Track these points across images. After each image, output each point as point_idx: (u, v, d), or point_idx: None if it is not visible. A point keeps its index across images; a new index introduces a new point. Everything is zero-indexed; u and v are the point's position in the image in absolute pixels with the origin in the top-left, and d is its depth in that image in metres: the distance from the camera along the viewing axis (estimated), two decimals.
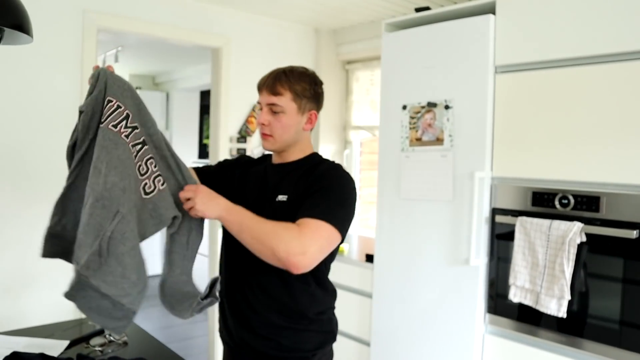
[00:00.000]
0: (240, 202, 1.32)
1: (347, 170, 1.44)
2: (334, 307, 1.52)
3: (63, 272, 2.62)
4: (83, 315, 2.66)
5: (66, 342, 1.53)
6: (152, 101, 5.72)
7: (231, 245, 1.39)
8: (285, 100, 1.39)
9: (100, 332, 1.63)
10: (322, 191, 1.32)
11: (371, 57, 3.53)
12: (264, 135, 1.43)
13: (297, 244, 1.19)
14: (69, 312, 2.68)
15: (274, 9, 3.23)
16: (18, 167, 2.52)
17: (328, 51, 3.71)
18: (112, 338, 1.56)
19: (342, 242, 1.35)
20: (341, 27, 3.63)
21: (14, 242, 2.51)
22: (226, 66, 3.24)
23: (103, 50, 4.34)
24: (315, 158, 1.49)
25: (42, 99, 2.57)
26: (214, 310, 3.32)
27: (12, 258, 2.51)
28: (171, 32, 2.98)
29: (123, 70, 5.63)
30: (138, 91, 4.83)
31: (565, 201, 1.93)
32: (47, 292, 2.62)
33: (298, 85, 1.40)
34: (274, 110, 1.39)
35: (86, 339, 1.57)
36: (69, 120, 2.63)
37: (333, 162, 1.46)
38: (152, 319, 4.52)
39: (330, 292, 1.50)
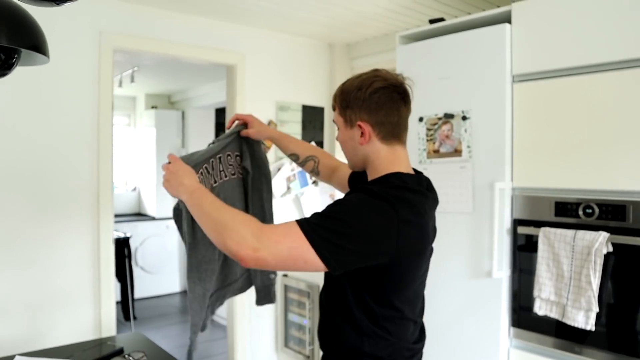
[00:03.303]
0: None
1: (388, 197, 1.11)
2: None
3: (81, 292, 2.64)
4: (103, 335, 2.67)
5: None
6: (167, 120, 5.78)
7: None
8: (336, 115, 1.27)
9: (119, 352, 1.62)
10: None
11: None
12: None
13: (251, 240, 1.05)
14: (88, 331, 2.68)
15: (287, 25, 3.25)
16: (37, 187, 2.54)
17: (342, 65, 3.71)
18: (131, 358, 1.55)
19: (334, 267, 1.07)
20: (355, 41, 3.64)
21: (33, 262, 2.52)
22: (241, 83, 3.25)
23: (119, 70, 4.40)
24: (378, 181, 1.21)
25: (60, 119, 2.60)
26: (233, 328, 3.30)
27: (32, 278, 2.52)
28: (185, 50, 3.01)
29: (138, 90, 5.71)
30: (154, 110, 4.93)
31: (590, 210, 1.88)
32: (65, 312, 2.62)
33: (344, 94, 1.23)
34: (337, 127, 1.29)
35: (105, 359, 1.56)
36: (86, 140, 2.67)
37: (372, 187, 1.15)
38: (171, 337, 4.50)
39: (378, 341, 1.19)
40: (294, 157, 1.70)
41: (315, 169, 1.67)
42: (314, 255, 1.05)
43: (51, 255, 2.58)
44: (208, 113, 5.93)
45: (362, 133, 1.21)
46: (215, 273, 1.53)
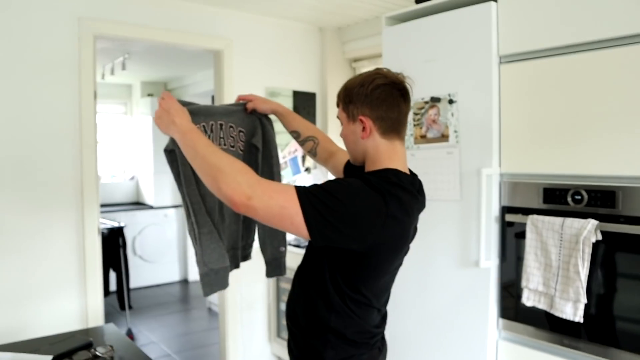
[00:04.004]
0: None
1: (386, 190, 1.16)
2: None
3: (66, 283, 2.61)
4: (89, 326, 2.64)
5: (49, 357, 1.47)
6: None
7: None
8: (340, 110, 1.33)
9: (87, 346, 1.57)
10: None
11: (377, 54, 3.43)
12: None
13: (246, 188, 1.09)
14: (74, 323, 2.66)
15: (276, 8, 3.16)
16: (19, 178, 2.50)
17: (333, 49, 3.62)
18: (97, 353, 1.50)
19: (315, 237, 1.12)
20: (346, 24, 3.54)
21: (17, 252, 2.49)
22: (228, 69, 3.18)
23: (110, 58, 4.34)
24: (377, 174, 1.24)
25: (40, 108, 2.55)
26: (225, 318, 3.26)
27: (16, 268, 2.49)
28: (170, 36, 2.94)
29: (134, 78, 5.66)
30: (150, 98, 4.88)
31: (579, 197, 1.80)
32: (51, 303, 2.60)
33: (347, 90, 1.30)
34: (341, 122, 1.35)
35: (70, 353, 1.51)
36: (68, 130, 2.62)
37: (370, 178, 1.19)
38: (169, 326, 4.49)
39: (350, 342, 1.27)
40: (295, 135, 1.73)
41: (313, 149, 1.70)
42: (300, 220, 1.10)
43: (35, 246, 2.55)
44: (205, 100, 5.86)
45: (363, 127, 1.26)
46: (213, 215, 1.50)
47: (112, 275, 4.30)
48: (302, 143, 1.71)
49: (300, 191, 1.12)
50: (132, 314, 4.61)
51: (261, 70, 3.35)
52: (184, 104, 1.40)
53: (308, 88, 3.57)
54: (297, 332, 1.34)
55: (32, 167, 2.54)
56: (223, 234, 1.56)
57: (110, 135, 6.03)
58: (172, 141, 1.37)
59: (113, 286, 4.34)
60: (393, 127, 1.28)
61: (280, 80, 3.44)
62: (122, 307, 4.33)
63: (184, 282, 5.95)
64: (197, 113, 1.44)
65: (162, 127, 1.29)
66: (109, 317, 4.54)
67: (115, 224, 4.29)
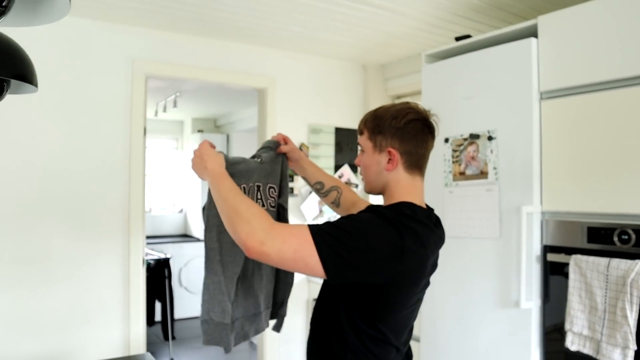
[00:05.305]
0: None
1: (400, 222, 1.15)
2: None
3: (111, 311, 2.70)
4: (120, 355, 2.70)
5: None
6: (213, 143, 5.90)
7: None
8: (364, 139, 1.31)
9: None
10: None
11: (418, 91, 3.43)
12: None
13: (261, 233, 1.10)
14: (117, 350, 2.73)
15: (317, 47, 3.25)
16: (70, 209, 2.63)
17: (376, 86, 3.67)
18: None
19: (332, 276, 1.11)
20: (388, 61, 3.59)
21: (66, 280, 2.60)
22: (271, 106, 3.27)
23: (163, 96, 4.55)
24: (391, 207, 1.23)
25: (94, 141, 2.70)
26: (263, 353, 3.25)
27: (64, 296, 2.60)
28: (216, 75, 3.06)
29: (185, 114, 5.89)
30: (199, 134, 5.01)
31: (626, 237, 1.72)
32: (96, 331, 2.68)
33: (377, 120, 1.28)
34: (361, 150, 1.34)
35: None
36: (119, 164, 2.76)
37: (384, 211, 1.19)
38: (210, 358, 4.51)
39: None
40: (319, 186, 1.69)
41: (337, 199, 1.67)
42: (316, 260, 1.09)
43: (83, 274, 2.66)
44: (252, 136, 6.00)
45: (389, 159, 1.26)
46: (236, 273, 1.48)
47: (158, 306, 4.39)
48: (325, 194, 1.68)
49: (314, 231, 1.11)
50: (175, 344, 4.67)
51: (303, 107, 3.42)
52: (224, 156, 1.42)
53: (350, 124, 3.61)
54: None
55: (84, 198, 2.67)
56: (260, 292, 1.56)
57: (162, 169, 6.26)
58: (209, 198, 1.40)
59: (158, 316, 4.42)
60: (418, 163, 1.28)
61: (323, 116, 3.50)
62: (166, 338, 4.40)
63: None
64: (239, 175, 1.45)
65: (197, 172, 1.34)
66: (152, 346, 4.63)
67: (162, 256, 4.41)
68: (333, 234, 1.11)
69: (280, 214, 1.61)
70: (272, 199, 1.57)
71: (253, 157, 1.56)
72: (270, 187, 1.56)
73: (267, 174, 1.56)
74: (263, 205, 1.54)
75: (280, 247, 1.09)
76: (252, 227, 1.11)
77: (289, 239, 1.10)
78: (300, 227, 1.13)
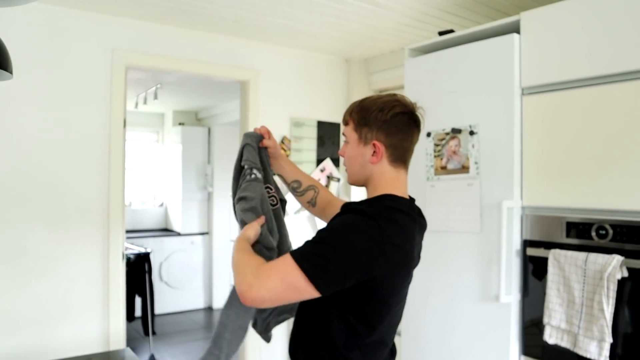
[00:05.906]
0: None
1: (375, 218, 1.14)
2: None
3: (90, 306, 2.65)
4: (100, 351, 2.66)
5: None
6: (194, 136, 5.85)
7: None
8: (349, 130, 1.29)
9: None
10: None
11: (402, 85, 3.44)
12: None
13: (249, 277, 1.11)
14: (96, 346, 2.69)
15: (303, 41, 3.23)
16: (47, 202, 2.58)
17: (359, 80, 3.66)
18: None
19: (323, 289, 1.10)
20: (372, 55, 3.58)
21: (43, 275, 2.55)
22: (254, 98, 3.24)
23: (143, 88, 4.48)
24: (371, 201, 1.24)
25: (71, 135, 2.65)
26: (245, 345, 3.24)
27: (39, 290, 2.55)
28: (199, 67, 3.02)
29: (166, 107, 5.82)
30: (180, 127, 4.90)
31: (603, 232, 1.75)
32: (74, 326, 2.64)
33: (362, 112, 1.26)
34: (346, 140, 1.32)
35: None
36: (98, 157, 2.71)
37: (363, 207, 1.19)
38: (190, 353, 4.49)
39: None
40: (296, 184, 1.66)
41: (313, 199, 1.64)
42: (304, 281, 1.08)
43: (60, 269, 2.61)
44: (233, 129, 5.97)
45: (374, 152, 1.24)
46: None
47: (138, 301, 4.34)
48: (302, 193, 1.65)
49: (295, 255, 1.10)
50: (155, 339, 4.63)
51: (287, 100, 3.40)
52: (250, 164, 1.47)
53: (333, 118, 3.60)
54: None
55: (61, 192, 2.62)
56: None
57: (142, 162, 6.18)
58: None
59: (138, 311, 4.37)
60: (403, 156, 1.27)
61: (305, 110, 3.49)
62: (147, 333, 4.35)
63: (209, 309, 5.95)
64: (268, 180, 1.51)
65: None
66: (133, 342, 4.58)
67: (142, 250, 4.36)
68: (313, 251, 1.11)
69: (283, 208, 1.60)
70: (273, 198, 1.55)
71: (250, 168, 1.50)
72: (266, 188, 1.54)
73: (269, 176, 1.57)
74: (272, 204, 1.52)
75: (267, 283, 1.09)
76: (243, 274, 1.13)
77: (272, 273, 1.11)
78: (282, 258, 1.13)
